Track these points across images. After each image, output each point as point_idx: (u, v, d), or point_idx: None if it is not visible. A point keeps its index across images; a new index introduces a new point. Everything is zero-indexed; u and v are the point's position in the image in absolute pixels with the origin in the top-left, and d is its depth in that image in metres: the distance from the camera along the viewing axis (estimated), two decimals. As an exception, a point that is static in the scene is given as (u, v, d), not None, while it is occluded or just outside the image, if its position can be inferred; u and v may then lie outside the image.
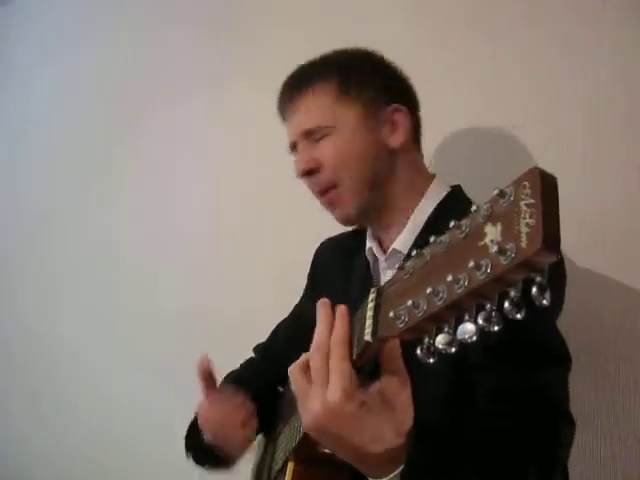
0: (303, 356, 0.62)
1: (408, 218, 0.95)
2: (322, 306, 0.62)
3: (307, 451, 0.80)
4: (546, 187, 0.39)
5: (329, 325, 0.60)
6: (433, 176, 1.01)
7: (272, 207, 1.72)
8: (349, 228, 1.12)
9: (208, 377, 1.02)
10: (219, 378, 1.24)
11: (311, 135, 0.97)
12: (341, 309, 0.61)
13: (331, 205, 0.99)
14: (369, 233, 1.04)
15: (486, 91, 1.31)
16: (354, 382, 0.57)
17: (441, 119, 1.27)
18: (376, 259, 1.02)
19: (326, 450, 0.76)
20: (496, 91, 1.30)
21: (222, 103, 1.89)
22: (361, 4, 1.56)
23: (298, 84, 1.00)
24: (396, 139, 0.96)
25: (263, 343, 1.27)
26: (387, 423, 0.58)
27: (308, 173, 0.97)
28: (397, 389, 0.59)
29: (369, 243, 1.03)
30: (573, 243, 1.15)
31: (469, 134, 1.30)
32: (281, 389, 1.09)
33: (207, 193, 1.92)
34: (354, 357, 0.57)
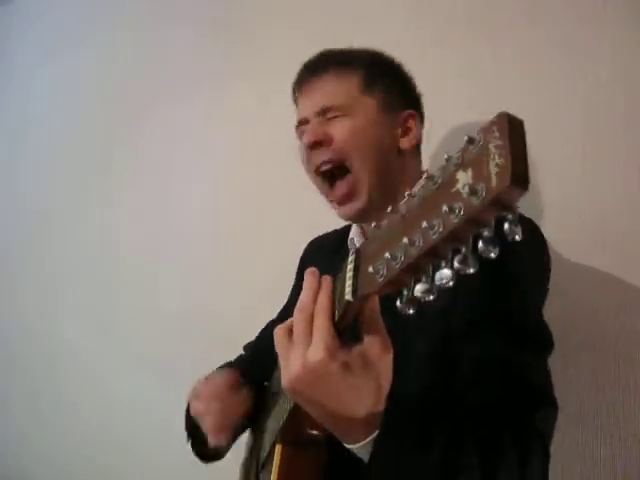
0: (288, 320, 0.62)
1: None
2: (309, 273, 0.62)
3: (294, 433, 0.81)
4: (514, 129, 0.39)
5: (314, 291, 0.61)
6: (423, 173, 1.01)
7: (272, 207, 1.72)
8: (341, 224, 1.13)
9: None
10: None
11: (327, 113, 0.97)
12: (326, 277, 0.61)
13: (344, 197, 0.96)
14: (354, 225, 1.06)
15: (486, 91, 1.31)
16: (337, 343, 0.57)
17: (441, 119, 1.27)
18: None
19: (313, 431, 0.76)
20: (496, 91, 1.30)
21: (222, 103, 1.89)
22: (361, 4, 1.56)
23: (325, 63, 1.01)
24: (407, 142, 0.99)
25: (252, 341, 1.29)
26: (368, 386, 0.58)
27: (316, 145, 0.96)
28: (379, 353, 0.59)
29: (352, 234, 1.06)
30: (573, 243, 1.15)
31: (468, 134, 1.30)
32: (267, 384, 1.10)
33: (207, 193, 1.92)
34: (336, 319, 0.58)
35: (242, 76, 1.82)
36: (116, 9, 2.32)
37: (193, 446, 1.12)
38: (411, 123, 1.00)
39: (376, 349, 0.59)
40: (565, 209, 1.18)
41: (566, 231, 1.16)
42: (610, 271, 1.12)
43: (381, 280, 0.49)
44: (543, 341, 0.82)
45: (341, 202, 0.97)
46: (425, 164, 1.07)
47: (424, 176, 0.46)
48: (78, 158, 2.39)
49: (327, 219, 1.15)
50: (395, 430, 0.60)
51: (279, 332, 0.63)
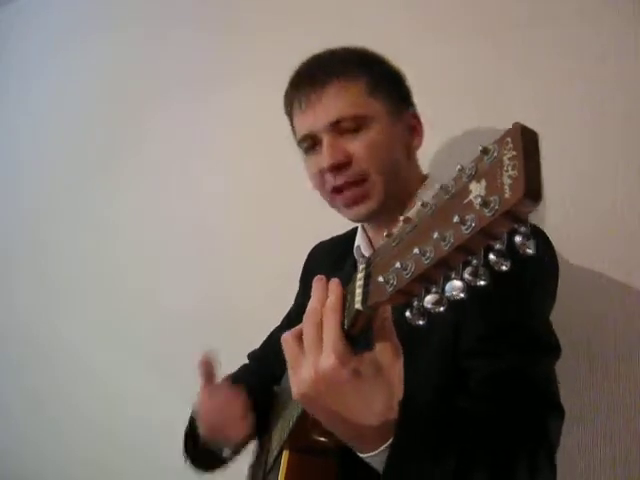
0: (298, 326, 0.62)
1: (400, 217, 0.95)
2: (317, 280, 0.62)
3: (301, 439, 0.80)
4: (528, 141, 0.39)
5: (323, 296, 0.60)
6: (426, 177, 1.02)
7: (275, 206, 1.72)
8: (344, 228, 1.13)
9: (209, 372, 1.01)
10: (219, 377, 1.25)
11: (340, 124, 0.92)
12: (334, 280, 0.61)
13: (355, 201, 0.94)
14: (359, 232, 1.05)
15: (486, 91, 1.31)
16: (348, 349, 0.57)
17: (440, 119, 1.27)
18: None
19: (320, 438, 0.76)
20: (496, 91, 1.30)
21: (223, 102, 1.89)
22: (362, 3, 1.56)
23: (326, 74, 0.94)
24: (417, 142, 1.00)
25: (257, 350, 1.27)
26: (380, 394, 0.58)
27: (338, 167, 0.92)
28: (390, 360, 0.58)
29: (358, 242, 1.04)
30: (573, 243, 1.15)
31: (468, 134, 1.30)
32: (276, 388, 1.10)
33: (208, 193, 1.92)
34: (346, 327, 0.57)
35: (243, 75, 1.82)
36: (116, 9, 2.32)
37: (196, 460, 1.12)
38: (415, 123, 1.00)
39: (388, 356, 0.58)
40: (565, 209, 1.18)
41: (565, 231, 1.16)
42: (610, 271, 1.12)
43: (391, 290, 0.48)
44: (552, 349, 0.82)
45: (351, 204, 0.94)
46: (422, 165, 1.07)
47: (437, 186, 0.45)
48: (78, 157, 2.39)
49: (333, 219, 1.15)
50: (410, 438, 0.59)
51: (288, 338, 0.62)
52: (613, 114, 1.14)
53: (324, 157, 0.92)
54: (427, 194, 0.96)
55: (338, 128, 0.92)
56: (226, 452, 1.05)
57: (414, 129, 1.00)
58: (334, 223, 1.17)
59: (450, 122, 1.32)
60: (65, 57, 2.51)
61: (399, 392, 0.59)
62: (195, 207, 1.95)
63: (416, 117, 1.01)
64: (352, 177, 0.92)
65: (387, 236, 0.53)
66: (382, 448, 0.59)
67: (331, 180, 0.93)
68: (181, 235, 1.98)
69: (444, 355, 0.80)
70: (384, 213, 0.95)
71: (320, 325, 0.58)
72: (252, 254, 1.77)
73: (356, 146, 0.91)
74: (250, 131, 1.80)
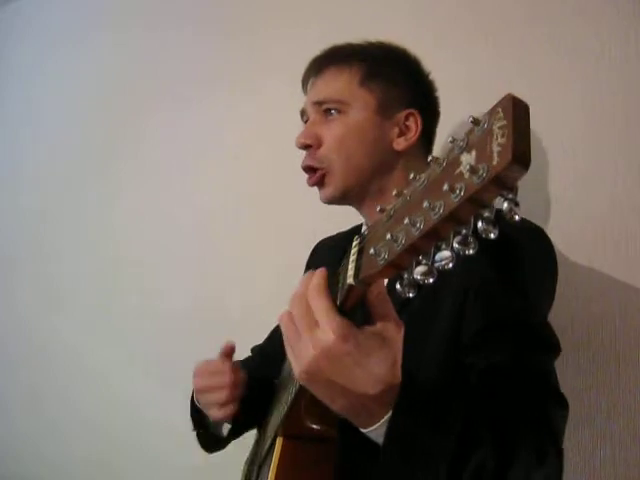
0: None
1: None
2: (307, 274, 0.62)
3: (294, 426, 0.80)
4: (518, 110, 0.40)
5: (307, 282, 0.60)
6: None
7: (273, 207, 1.72)
8: (345, 227, 1.14)
9: (227, 354, 1.03)
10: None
11: (323, 104, 0.99)
12: (320, 268, 0.61)
13: (317, 185, 1.00)
14: (363, 228, 1.06)
15: (486, 91, 1.31)
16: (343, 322, 0.56)
17: (440, 118, 1.27)
18: None
19: (313, 426, 0.75)
20: (496, 91, 1.30)
21: (223, 102, 1.89)
22: (363, 5, 1.56)
23: (328, 59, 1.03)
24: (401, 143, 0.98)
25: (260, 345, 1.28)
26: (383, 362, 0.58)
27: (306, 147, 1.00)
28: (393, 332, 0.59)
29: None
30: (573, 243, 1.15)
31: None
32: (276, 382, 1.10)
33: (208, 193, 1.92)
34: (339, 303, 0.57)
35: (243, 75, 1.82)
36: (117, 9, 2.32)
37: (198, 436, 1.11)
38: (411, 122, 0.98)
39: (391, 327, 0.59)
40: (565, 209, 1.18)
41: (566, 231, 1.16)
42: (610, 271, 1.12)
43: (382, 262, 0.48)
44: (552, 346, 0.82)
45: (316, 185, 1.01)
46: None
47: (430, 158, 0.46)
48: (78, 158, 2.39)
49: (333, 219, 1.15)
50: (412, 407, 0.59)
51: (285, 318, 0.61)
52: (613, 114, 1.14)
53: (298, 136, 1.00)
54: None
55: (321, 109, 0.99)
56: (225, 429, 1.04)
57: (406, 129, 0.98)
58: (334, 223, 1.17)
59: (450, 122, 1.32)
60: (65, 57, 2.50)
61: (401, 361, 0.59)
62: (195, 207, 1.95)
63: (412, 116, 0.98)
64: (313, 163, 0.99)
65: (380, 211, 0.53)
66: (385, 418, 0.59)
67: (304, 158, 1.01)
68: (181, 235, 1.98)
69: (447, 346, 0.80)
70: (354, 202, 1.01)
71: (306, 304, 0.58)
72: (252, 254, 1.77)
73: (328, 133, 0.98)
74: (250, 131, 1.79)
